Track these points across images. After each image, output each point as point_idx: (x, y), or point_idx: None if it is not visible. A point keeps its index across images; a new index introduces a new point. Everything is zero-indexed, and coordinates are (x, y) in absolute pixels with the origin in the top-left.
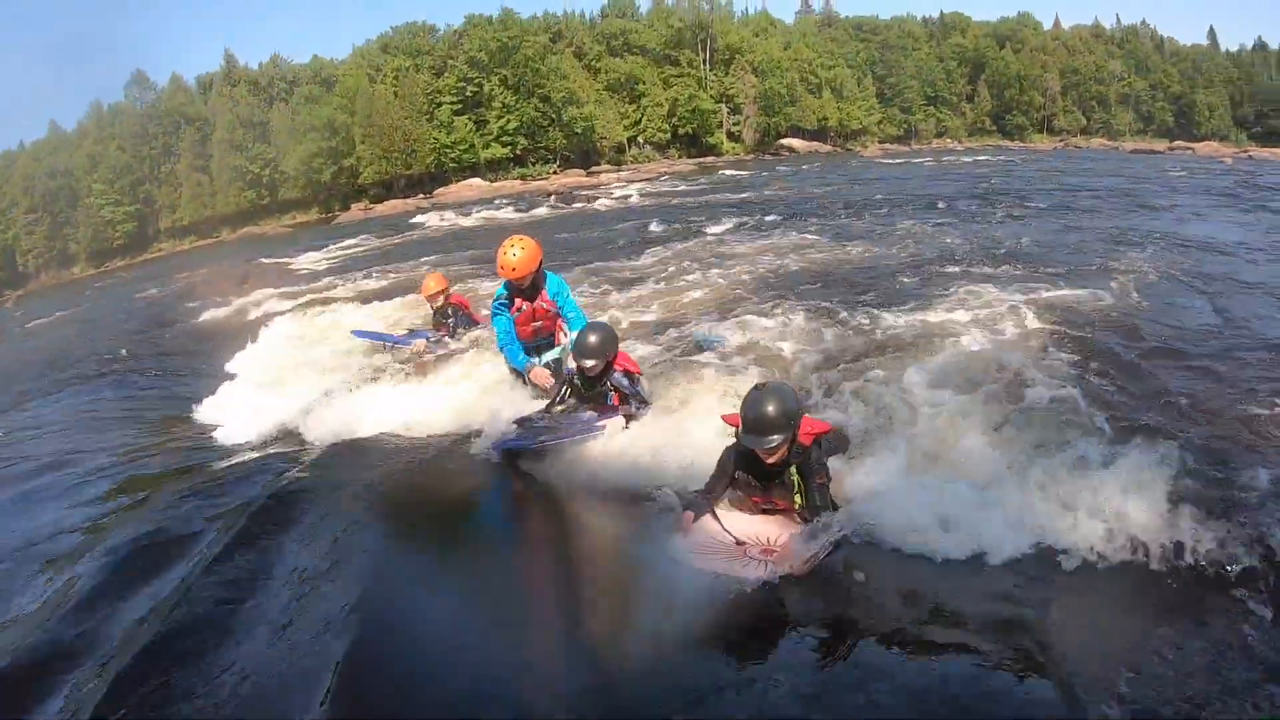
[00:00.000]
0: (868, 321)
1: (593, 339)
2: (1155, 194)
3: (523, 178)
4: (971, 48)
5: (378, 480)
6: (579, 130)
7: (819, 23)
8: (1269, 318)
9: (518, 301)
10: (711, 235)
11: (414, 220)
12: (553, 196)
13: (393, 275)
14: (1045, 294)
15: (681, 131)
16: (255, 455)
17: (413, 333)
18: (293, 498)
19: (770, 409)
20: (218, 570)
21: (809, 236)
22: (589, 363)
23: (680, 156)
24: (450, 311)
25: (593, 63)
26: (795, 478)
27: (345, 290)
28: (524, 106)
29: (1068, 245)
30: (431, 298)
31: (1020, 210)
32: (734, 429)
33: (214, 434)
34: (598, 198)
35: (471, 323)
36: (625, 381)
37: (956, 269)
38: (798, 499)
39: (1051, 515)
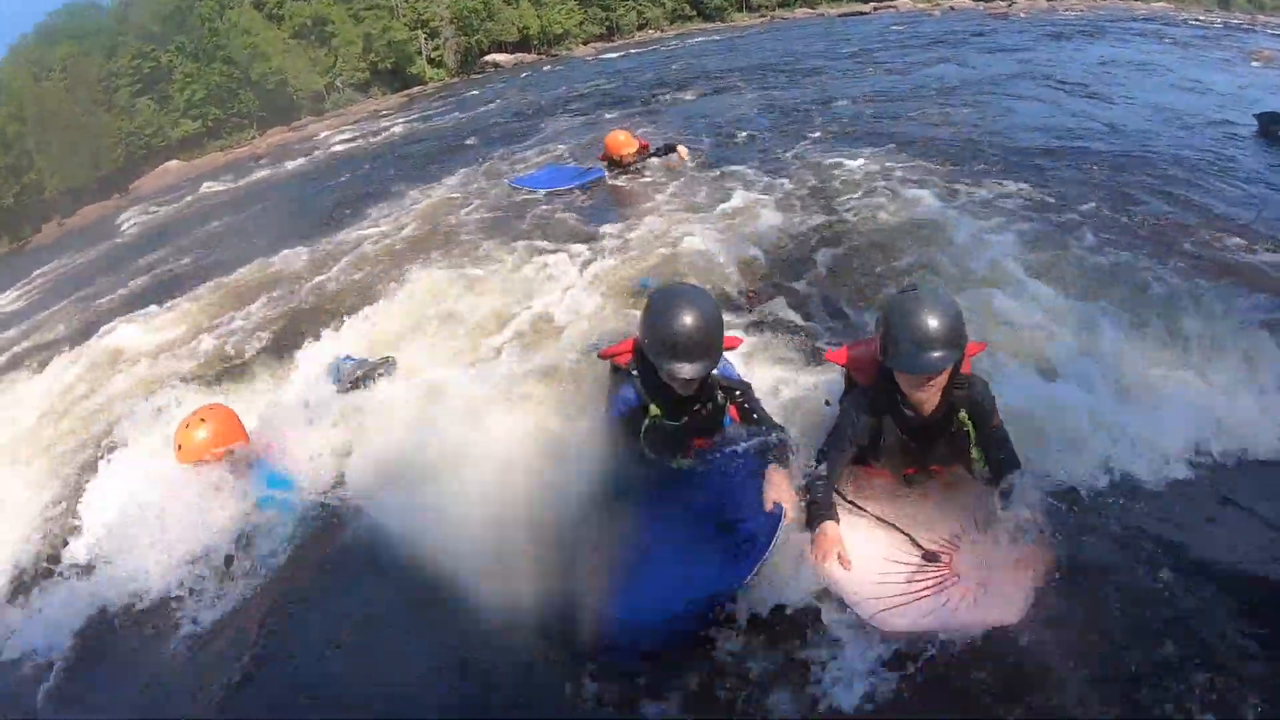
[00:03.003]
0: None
1: (688, 319)
2: (928, 43)
3: (223, 149)
4: None
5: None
6: (271, 87)
7: None
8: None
9: None
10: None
11: (119, 221)
12: (263, 159)
13: (122, 291)
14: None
15: (381, 67)
16: None
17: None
18: None
19: (934, 320)
20: None
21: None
22: (689, 369)
23: (384, 94)
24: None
25: (274, 10)
26: (968, 424)
27: (64, 327)
28: (208, 73)
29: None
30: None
31: (849, 74)
32: (846, 369)
33: None
34: (313, 150)
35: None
36: (740, 395)
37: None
38: (975, 455)
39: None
